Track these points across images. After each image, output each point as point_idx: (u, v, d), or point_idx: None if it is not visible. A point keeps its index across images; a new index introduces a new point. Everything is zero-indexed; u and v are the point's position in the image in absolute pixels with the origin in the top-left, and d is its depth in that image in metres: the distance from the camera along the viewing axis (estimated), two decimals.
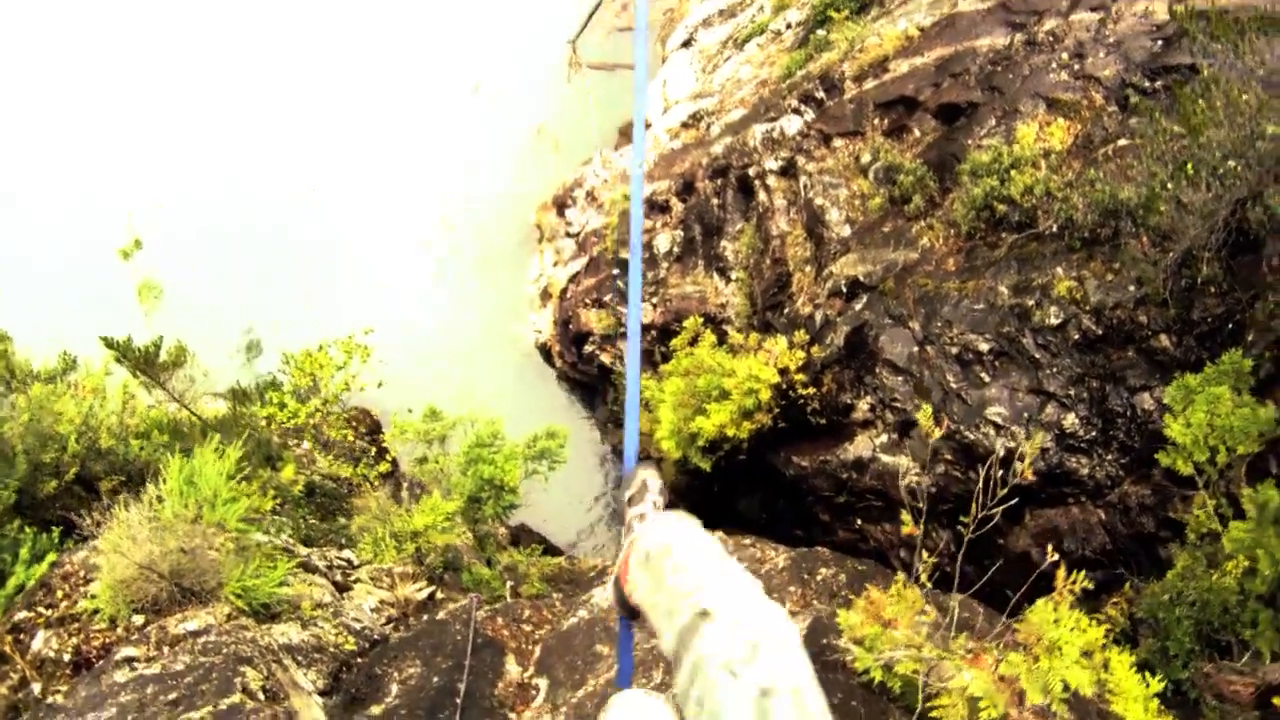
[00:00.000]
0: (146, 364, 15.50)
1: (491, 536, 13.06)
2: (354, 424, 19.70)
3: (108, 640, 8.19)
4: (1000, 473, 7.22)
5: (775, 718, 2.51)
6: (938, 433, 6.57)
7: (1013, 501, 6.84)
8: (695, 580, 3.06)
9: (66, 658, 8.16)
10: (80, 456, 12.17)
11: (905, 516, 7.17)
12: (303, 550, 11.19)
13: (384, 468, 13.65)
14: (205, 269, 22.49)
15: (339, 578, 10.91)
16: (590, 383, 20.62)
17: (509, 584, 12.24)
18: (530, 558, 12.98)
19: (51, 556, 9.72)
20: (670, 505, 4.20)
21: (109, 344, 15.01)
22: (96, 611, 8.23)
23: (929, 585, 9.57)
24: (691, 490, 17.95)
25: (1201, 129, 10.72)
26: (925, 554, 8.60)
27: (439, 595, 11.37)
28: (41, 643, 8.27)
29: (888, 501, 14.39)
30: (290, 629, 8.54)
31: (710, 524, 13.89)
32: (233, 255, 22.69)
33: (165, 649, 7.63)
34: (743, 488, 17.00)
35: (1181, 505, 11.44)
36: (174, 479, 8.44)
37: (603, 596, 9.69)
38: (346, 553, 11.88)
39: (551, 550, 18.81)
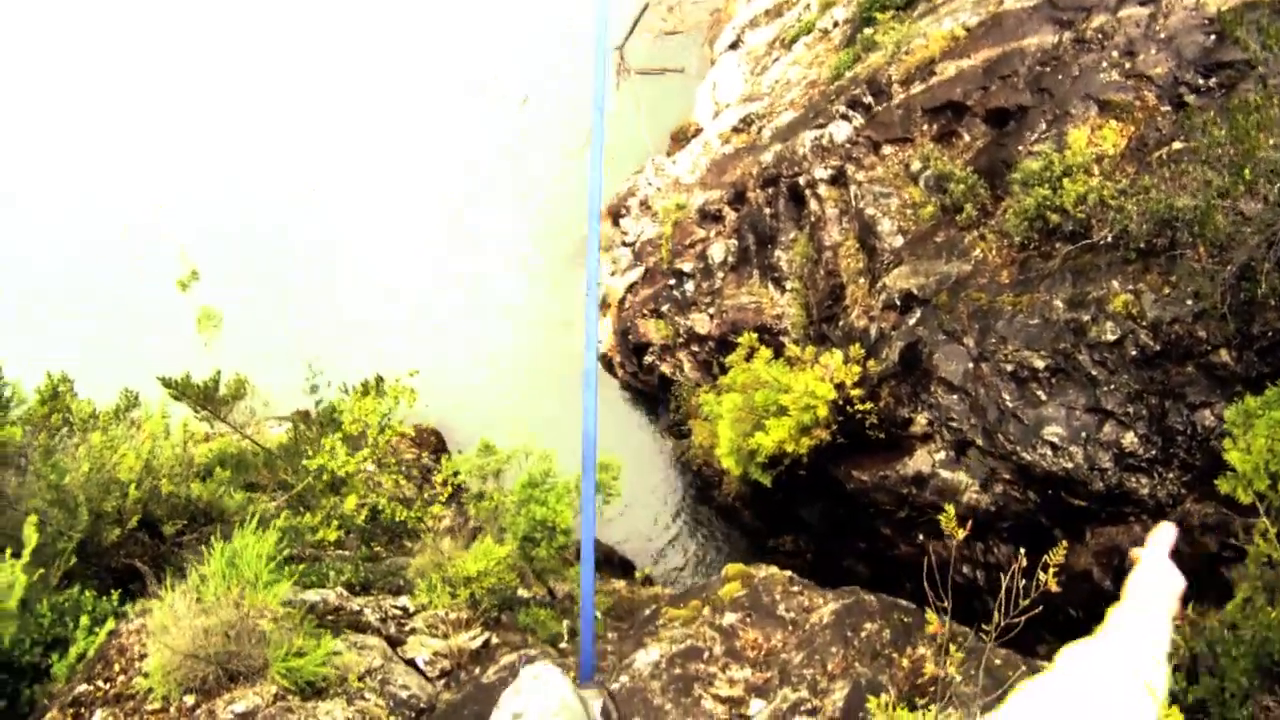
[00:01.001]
0: (206, 399, 15.75)
1: (549, 570, 13.15)
2: (419, 444, 19.98)
3: None
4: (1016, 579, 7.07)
5: None
6: (961, 534, 6.44)
7: (1036, 610, 6.70)
8: None
9: None
10: (142, 502, 12.38)
11: (930, 615, 7.06)
12: (356, 603, 11.35)
13: (438, 510, 13.80)
14: (263, 291, 22.82)
15: (393, 630, 11.05)
16: (652, 392, 20.65)
17: (565, 624, 12.32)
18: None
19: (110, 624, 9.93)
20: None
21: (166, 384, 15.27)
22: (150, 690, 8.42)
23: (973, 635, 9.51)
24: (756, 498, 17.94)
25: (1255, 140, 10.37)
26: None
27: (494, 641, 11.47)
28: None
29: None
30: (335, 707, 8.67)
31: (775, 531, 13.91)
32: (290, 274, 23.00)
33: None
34: (804, 497, 16.94)
35: (1243, 531, 11.17)
36: (216, 562, 8.60)
37: (644, 660, 9.72)
38: (403, 599, 12.02)
39: (620, 564, 18.91)
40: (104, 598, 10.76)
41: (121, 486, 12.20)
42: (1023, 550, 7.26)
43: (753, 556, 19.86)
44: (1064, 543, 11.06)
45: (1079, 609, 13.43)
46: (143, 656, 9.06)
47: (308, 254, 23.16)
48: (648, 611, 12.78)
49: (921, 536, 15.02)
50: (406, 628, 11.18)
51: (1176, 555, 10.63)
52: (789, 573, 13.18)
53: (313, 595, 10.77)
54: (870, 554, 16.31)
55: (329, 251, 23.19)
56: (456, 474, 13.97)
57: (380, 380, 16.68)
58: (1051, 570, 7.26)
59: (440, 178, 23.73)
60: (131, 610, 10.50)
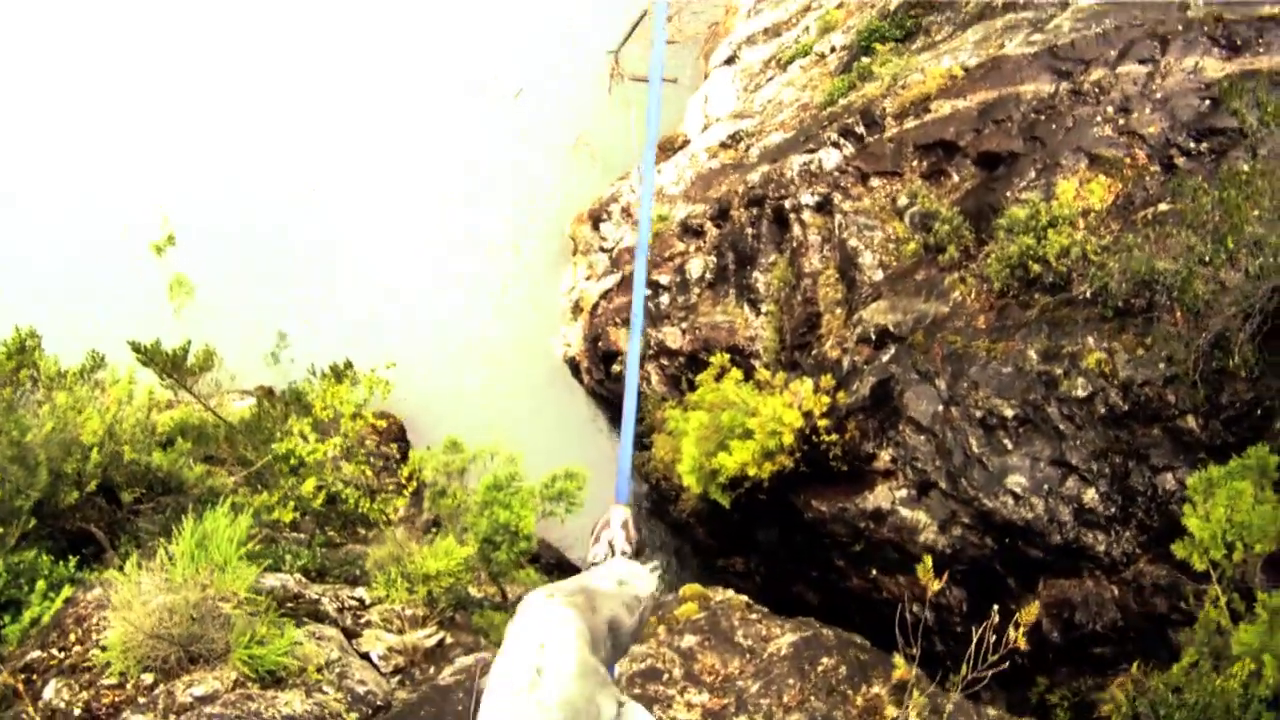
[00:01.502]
0: (174, 368, 15.50)
1: (504, 573, 13.05)
2: (380, 432, 19.79)
3: (117, 699, 8.23)
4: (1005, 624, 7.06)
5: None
6: (936, 585, 6.43)
7: (1003, 665, 6.68)
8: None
9: (76, 712, 8.20)
10: (102, 466, 12.19)
11: (898, 660, 7.04)
12: (314, 591, 11.21)
13: (401, 503, 13.66)
14: (233, 268, 22.54)
15: (349, 621, 10.93)
16: (617, 401, 20.52)
17: None
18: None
19: (67, 591, 9.74)
20: (637, 545, 4.39)
21: (135, 348, 15.04)
22: (108, 664, 8.25)
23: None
24: (712, 517, 17.88)
25: (1242, 214, 10.43)
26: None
27: (448, 640, 11.37)
28: (53, 692, 8.31)
29: (904, 554, 14.25)
30: (294, 698, 8.53)
31: (726, 551, 13.83)
32: (262, 257, 22.75)
33: (172, 716, 7.67)
34: (760, 520, 16.91)
35: (1193, 596, 11.25)
36: (186, 542, 8.43)
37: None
38: (360, 590, 11.89)
39: (571, 570, 18.79)
40: (61, 562, 10.59)
41: (83, 449, 12.03)
42: (995, 607, 7.28)
43: (703, 574, 19.78)
44: (1035, 604, 11.11)
45: (1025, 658, 13.51)
46: (102, 628, 8.89)
47: (295, 244, 22.95)
48: None
49: (875, 571, 15.01)
50: (362, 620, 11.06)
51: (1124, 612, 10.62)
52: (745, 598, 13.16)
53: (272, 580, 10.64)
54: (822, 583, 16.29)
55: (317, 241, 22.95)
56: (421, 469, 13.81)
57: (350, 365, 16.50)
58: (1021, 630, 7.25)
59: (434, 175, 23.52)
60: (90, 577, 10.32)
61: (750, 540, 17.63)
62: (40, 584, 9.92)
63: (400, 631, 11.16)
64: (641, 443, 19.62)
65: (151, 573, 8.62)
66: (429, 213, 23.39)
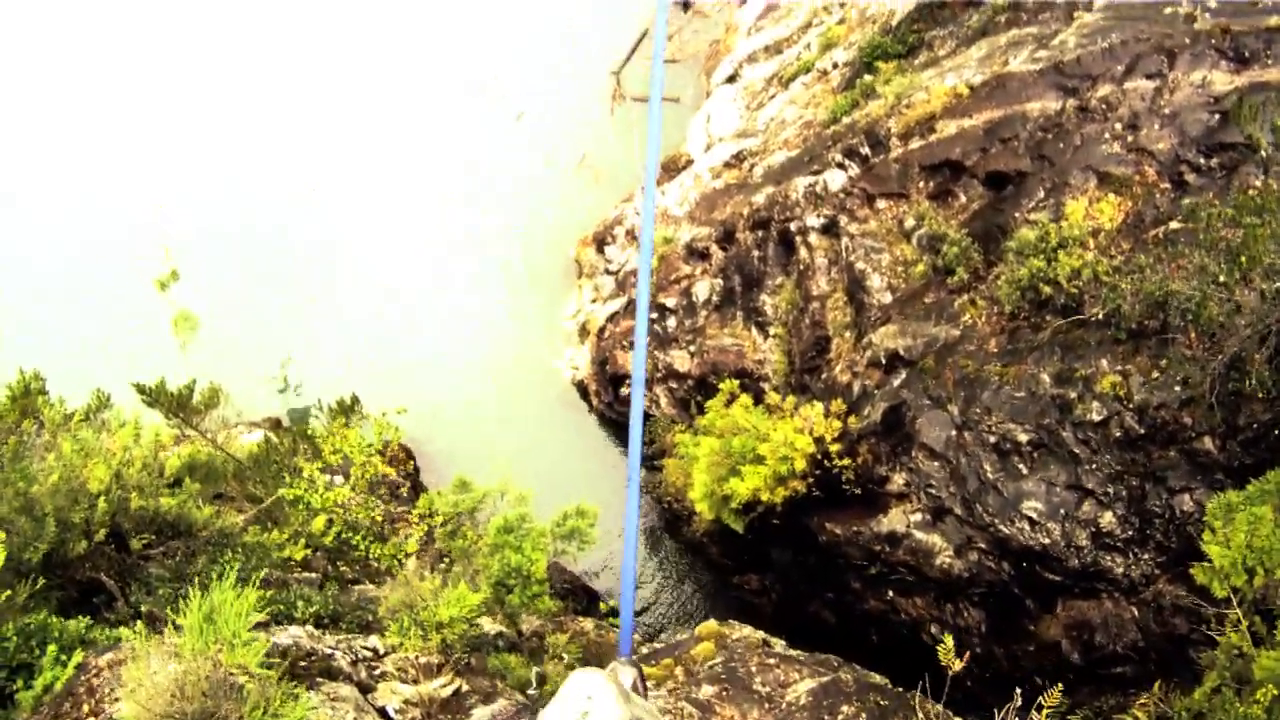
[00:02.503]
0: (180, 407, 15.45)
1: (518, 612, 12.93)
2: (389, 460, 19.70)
3: None
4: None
5: None
6: (958, 665, 6.32)
7: None
8: None
9: None
10: (110, 514, 12.09)
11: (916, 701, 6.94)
12: (327, 644, 11.11)
13: (412, 547, 13.54)
14: (237, 300, 22.50)
15: (364, 675, 10.83)
16: (626, 423, 20.36)
17: (535, 670, 12.13)
18: (559, 649, 12.80)
19: (78, 656, 9.65)
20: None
21: (140, 390, 14.96)
22: None
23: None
24: (725, 537, 17.78)
25: (1262, 247, 10.31)
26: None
27: (464, 688, 11.27)
28: None
29: (920, 576, 14.16)
30: None
31: (741, 569, 13.66)
32: (267, 288, 22.71)
33: None
34: (774, 541, 16.81)
35: (1214, 620, 11.14)
36: (194, 615, 8.33)
37: None
38: (373, 639, 11.79)
39: (585, 592, 18.70)
40: (71, 620, 10.48)
41: (90, 497, 11.91)
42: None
43: (718, 592, 19.73)
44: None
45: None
46: (114, 699, 8.80)
47: (298, 256, 22.95)
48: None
49: (891, 593, 14.92)
50: (377, 671, 10.97)
51: (1144, 632, 10.48)
52: (761, 634, 13.08)
53: (284, 637, 10.53)
54: (838, 604, 16.21)
55: (321, 254, 22.94)
56: (432, 513, 13.70)
57: (356, 401, 16.43)
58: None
59: (438, 199, 23.51)
60: (101, 637, 10.22)
61: (764, 559, 17.55)
62: (51, 648, 9.82)
63: (415, 681, 11.05)
64: (652, 465, 19.55)
65: (159, 647, 8.53)
66: (433, 233, 23.34)
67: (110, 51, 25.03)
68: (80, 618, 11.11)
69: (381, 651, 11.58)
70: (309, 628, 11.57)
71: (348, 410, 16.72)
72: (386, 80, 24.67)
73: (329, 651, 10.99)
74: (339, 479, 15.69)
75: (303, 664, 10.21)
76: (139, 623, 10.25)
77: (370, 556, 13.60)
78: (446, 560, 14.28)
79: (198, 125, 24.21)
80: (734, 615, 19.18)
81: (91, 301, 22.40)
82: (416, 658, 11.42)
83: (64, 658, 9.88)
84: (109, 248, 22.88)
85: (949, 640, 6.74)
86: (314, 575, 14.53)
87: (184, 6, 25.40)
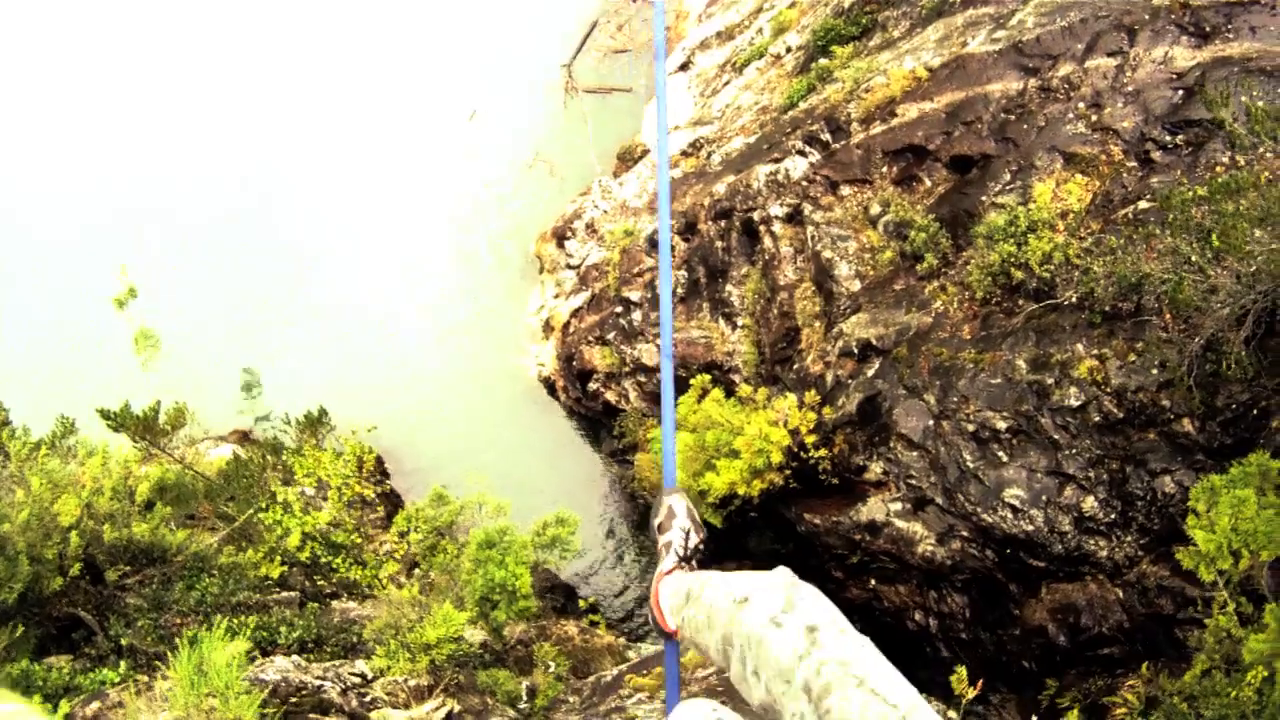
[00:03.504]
0: (146, 430, 15.17)
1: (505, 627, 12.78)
2: (360, 468, 19.44)
3: None
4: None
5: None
6: (971, 693, 6.24)
7: None
8: (726, 590, 3.23)
9: None
10: (83, 547, 11.86)
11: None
12: (315, 673, 10.94)
13: (392, 568, 13.32)
14: (196, 312, 22.10)
15: (355, 704, 10.68)
16: (595, 417, 20.27)
17: (525, 684, 12.02)
18: (546, 660, 12.67)
19: (65, 708, 9.45)
20: (700, 525, 4.31)
21: (105, 415, 14.67)
22: None
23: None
24: (701, 525, 17.67)
25: (1240, 234, 10.27)
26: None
27: (456, 709, 11.15)
28: None
29: (902, 564, 14.14)
30: None
31: (718, 558, 13.61)
32: (224, 297, 22.33)
33: None
34: (753, 529, 16.76)
35: (1201, 601, 11.20)
36: (183, 668, 8.12)
37: None
38: (360, 664, 11.64)
39: (563, 590, 18.57)
40: (53, 668, 10.31)
41: (62, 532, 11.68)
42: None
43: None
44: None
45: (1032, 662, 13.47)
46: None
47: (257, 264, 22.57)
48: (609, 676, 12.50)
49: (874, 582, 14.91)
50: (368, 698, 10.82)
51: (1130, 614, 10.50)
52: None
53: (272, 672, 10.37)
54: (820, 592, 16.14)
55: (279, 260, 22.58)
56: (409, 531, 13.48)
57: (324, 413, 16.17)
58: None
59: (394, 199, 23.16)
60: (85, 683, 10.04)
61: (742, 548, 17.48)
62: (35, 698, 9.62)
63: (406, 705, 10.94)
64: (623, 457, 19.42)
65: (150, 704, 8.38)
66: (391, 235, 23.04)
67: (65, 61, 24.50)
68: (60, 656, 10.91)
69: (370, 676, 11.45)
70: (295, 658, 11.41)
71: (315, 423, 16.47)
72: (337, 85, 24.27)
73: (318, 683, 10.83)
74: (308, 490, 15.47)
75: (294, 700, 10.04)
76: (123, 663, 10.04)
77: (349, 577, 13.39)
78: (423, 570, 14.11)
79: (152, 138, 23.71)
80: None
81: (49, 322, 21.93)
82: (406, 681, 11.30)
83: (49, 706, 9.66)
84: (63, 266, 22.42)
85: (962, 672, 6.63)
86: (293, 594, 14.32)
87: (135, 16, 24.82)
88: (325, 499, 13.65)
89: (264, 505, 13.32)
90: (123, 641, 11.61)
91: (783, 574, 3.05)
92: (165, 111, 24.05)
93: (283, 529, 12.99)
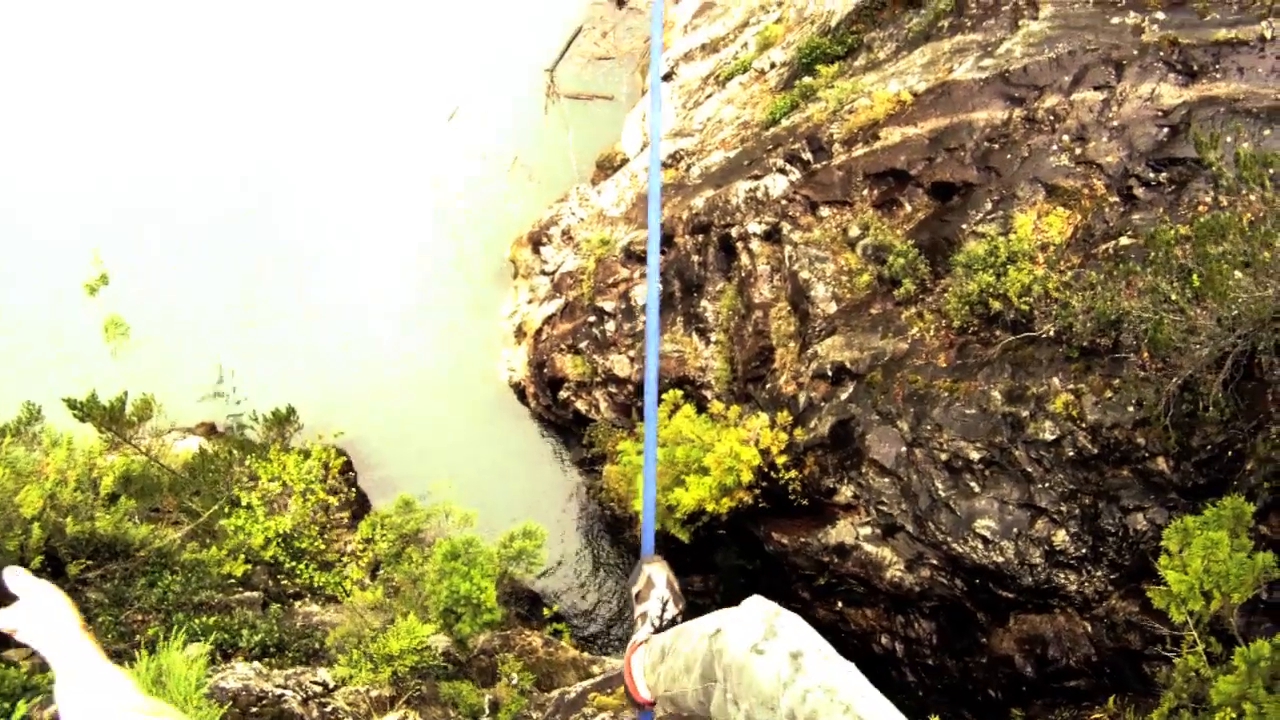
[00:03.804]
0: (112, 421, 14.96)
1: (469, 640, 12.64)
2: (325, 465, 19.24)
3: None
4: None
5: (809, 672, 2.69)
6: None
7: None
8: (698, 629, 3.21)
9: None
10: (45, 539, 11.64)
11: None
12: (276, 681, 10.80)
13: (357, 574, 13.14)
14: (167, 301, 21.81)
15: (315, 713, 10.55)
16: (565, 425, 20.15)
17: (487, 697, 11.90)
18: (510, 673, 12.54)
19: (22, 709, 9.24)
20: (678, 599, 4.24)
21: (71, 405, 14.46)
22: None
23: None
24: (667, 539, 17.62)
25: (1224, 279, 10.27)
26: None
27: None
28: None
29: (870, 588, 14.11)
30: None
31: (683, 571, 13.35)
32: (196, 289, 22.04)
33: None
34: (720, 544, 16.69)
35: (1170, 639, 11.20)
36: (143, 678, 7.94)
37: None
38: (322, 672, 11.51)
39: (527, 599, 18.45)
40: (12, 667, 10.10)
41: (24, 523, 11.47)
42: None
43: None
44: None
45: (999, 691, 13.47)
46: None
47: (230, 259, 22.34)
48: (573, 693, 12.38)
49: (841, 604, 14.87)
50: (329, 708, 10.70)
51: (1098, 647, 10.50)
52: None
53: (233, 680, 10.24)
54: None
55: (253, 256, 22.34)
56: (372, 540, 13.30)
57: (292, 411, 16.00)
58: None
59: (370, 198, 22.95)
60: (43, 682, 9.87)
61: (708, 562, 17.42)
62: None
63: (368, 716, 10.84)
64: (592, 469, 19.32)
65: None
66: (365, 234, 22.85)
67: (65, 62, 24.15)
68: (18, 650, 10.72)
69: (331, 685, 11.34)
70: (256, 664, 11.29)
71: (283, 421, 16.29)
72: (315, 83, 24.01)
73: (279, 691, 10.71)
74: (271, 492, 15.27)
75: (254, 710, 9.90)
76: None
77: (313, 584, 13.22)
78: (386, 573, 13.95)
79: (128, 129, 23.39)
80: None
81: (16, 306, 21.56)
82: (368, 691, 11.18)
83: (5, 706, 9.48)
84: (34, 252, 22.06)
85: None
86: (256, 594, 14.15)
87: (134, 17, 24.48)
88: (289, 501, 13.45)
89: (227, 510, 13.13)
90: None
91: (758, 603, 3.03)
92: (160, 111, 23.73)
93: (245, 533, 12.79)
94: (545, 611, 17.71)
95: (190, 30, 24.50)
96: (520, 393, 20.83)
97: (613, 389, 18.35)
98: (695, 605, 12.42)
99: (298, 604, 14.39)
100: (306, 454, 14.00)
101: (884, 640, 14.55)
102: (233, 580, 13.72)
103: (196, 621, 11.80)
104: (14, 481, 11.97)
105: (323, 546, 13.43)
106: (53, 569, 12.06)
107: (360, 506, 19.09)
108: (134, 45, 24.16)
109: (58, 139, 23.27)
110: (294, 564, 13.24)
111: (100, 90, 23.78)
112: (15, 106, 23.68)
